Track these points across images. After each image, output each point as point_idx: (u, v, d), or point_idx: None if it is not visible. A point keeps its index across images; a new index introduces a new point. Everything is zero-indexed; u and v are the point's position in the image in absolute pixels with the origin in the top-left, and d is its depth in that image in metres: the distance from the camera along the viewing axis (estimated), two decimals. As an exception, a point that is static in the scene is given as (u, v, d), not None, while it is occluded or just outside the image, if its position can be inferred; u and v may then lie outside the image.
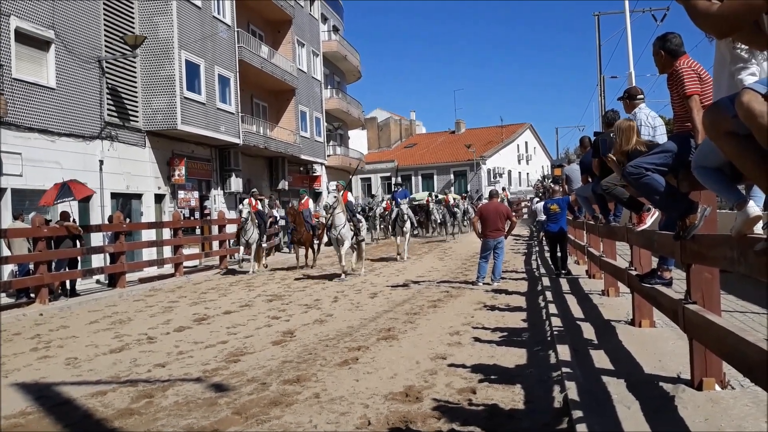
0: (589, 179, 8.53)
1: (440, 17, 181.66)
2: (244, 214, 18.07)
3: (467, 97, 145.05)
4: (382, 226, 31.58)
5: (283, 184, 31.85)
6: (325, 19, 40.34)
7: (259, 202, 20.04)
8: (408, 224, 20.43)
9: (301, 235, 18.51)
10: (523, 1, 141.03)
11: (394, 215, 21.27)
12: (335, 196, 15.80)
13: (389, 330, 8.61)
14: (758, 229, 3.13)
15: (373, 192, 53.84)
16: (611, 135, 5.98)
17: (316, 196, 37.21)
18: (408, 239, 21.04)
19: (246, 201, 18.92)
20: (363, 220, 18.14)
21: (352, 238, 16.03)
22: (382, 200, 35.97)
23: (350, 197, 17.40)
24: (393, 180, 28.07)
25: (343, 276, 15.53)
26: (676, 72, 4.80)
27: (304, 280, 15.89)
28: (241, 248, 18.57)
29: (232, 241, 20.59)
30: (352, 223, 16.02)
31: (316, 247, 19.36)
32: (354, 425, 4.80)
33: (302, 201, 19.89)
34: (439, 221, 32.30)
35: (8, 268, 14.94)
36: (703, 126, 3.18)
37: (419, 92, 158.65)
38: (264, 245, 19.71)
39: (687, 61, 4.84)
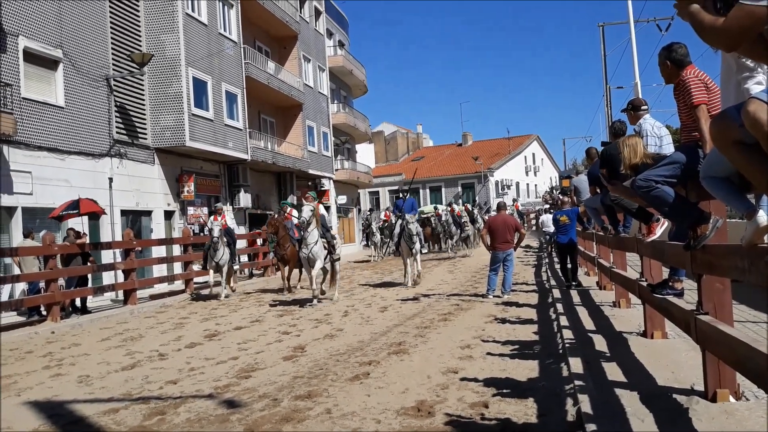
0: (598, 190, 8.51)
1: (446, 31, 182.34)
2: (215, 233, 16.20)
3: (474, 109, 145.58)
4: (380, 243, 29.90)
5: (292, 199, 31.89)
6: (330, 35, 40.54)
7: (226, 216, 17.96)
8: (417, 245, 16.77)
9: (285, 251, 16.77)
10: (529, 13, 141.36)
11: (398, 229, 17.64)
12: (311, 209, 13.79)
13: (400, 344, 8.59)
14: (768, 239, 3.13)
15: (382, 205, 53.77)
16: (617, 150, 5.95)
17: (325, 210, 37.25)
18: (419, 260, 17.33)
19: (212, 218, 17.27)
20: (337, 236, 16.36)
21: (325, 258, 14.22)
22: (371, 211, 34.34)
23: (322, 210, 15.44)
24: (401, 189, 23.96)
25: (315, 301, 13.70)
26: (683, 82, 4.80)
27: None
28: (211, 271, 16.62)
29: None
30: (325, 240, 14.21)
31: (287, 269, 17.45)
32: (366, 441, 4.78)
33: (285, 213, 18.31)
34: (440, 233, 29.92)
35: (20, 287, 15.01)
36: (711, 136, 3.18)
37: (425, 105, 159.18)
38: (236, 266, 18.04)
39: (693, 71, 4.84)
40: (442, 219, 29.00)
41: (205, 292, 17.36)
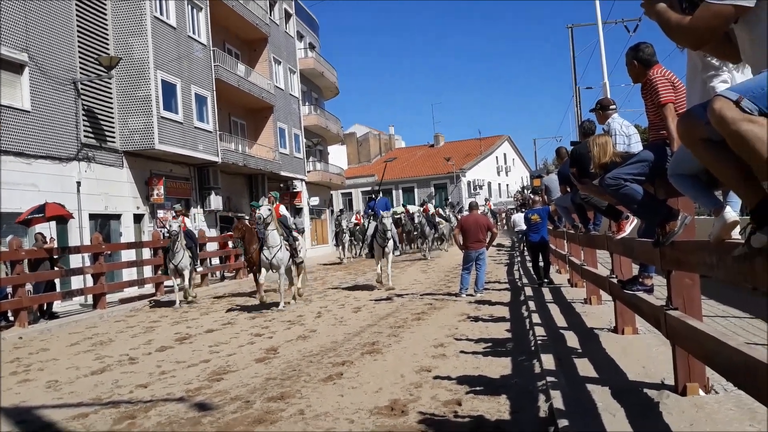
0: (568, 189, 8.58)
1: (416, 32, 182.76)
2: (174, 227, 15.27)
3: (445, 110, 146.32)
4: (348, 244, 29.51)
5: (263, 201, 31.72)
6: (301, 37, 40.42)
7: (186, 219, 17.22)
8: (391, 243, 15.97)
9: (250, 255, 15.53)
10: (498, 15, 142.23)
11: (371, 231, 16.73)
12: (269, 209, 13.28)
13: (373, 344, 8.58)
14: (735, 234, 3.17)
15: (355, 206, 53.72)
16: (587, 149, 6.00)
17: (297, 212, 37.12)
18: (390, 261, 16.54)
19: (171, 217, 16.57)
20: (300, 238, 15.47)
21: (288, 261, 13.74)
22: (341, 212, 33.67)
23: (283, 210, 15.10)
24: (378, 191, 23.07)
25: (282, 305, 13.28)
26: (650, 81, 4.86)
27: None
28: (172, 277, 15.75)
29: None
30: (287, 243, 13.70)
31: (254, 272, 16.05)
32: (340, 441, 4.77)
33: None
34: (411, 231, 29.39)
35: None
36: (678, 133, 3.22)
37: (397, 107, 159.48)
38: (198, 269, 17.20)
39: (660, 70, 4.90)
40: (415, 220, 28.59)
41: (168, 298, 16.52)
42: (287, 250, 13.59)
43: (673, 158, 3.93)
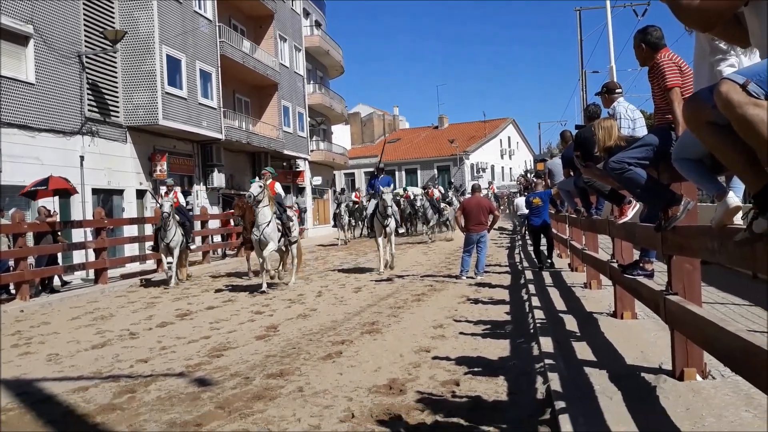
0: (571, 173, 8.56)
1: (423, 12, 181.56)
2: (166, 209, 14.57)
3: (450, 92, 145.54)
4: (347, 225, 28.07)
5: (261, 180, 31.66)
6: (307, 14, 40.19)
7: (179, 194, 16.39)
8: (392, 222, 15.05)
9: (250, 234, 14.40)
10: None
11: (371, 208, 15.82)
12: (260, 185, 12.74)
13: (373, 324, 8.61)
14: (738, 219, 3.16)
15: (358, 186, 53.68)
16: (592, 130, 5.99)
17: (300, 191, 37.13)
18: (393, 242, 15.80)
19: (163, 193, 16.01)
20: (294, 218, 14.74)
21: (279, 240, 13.16)
22: (342, 192, 32.17)
23: (278, 188, 14.46)
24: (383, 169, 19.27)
25: (264, 287, 12.62)
26: (657, 65, 4.83)
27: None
28: (162, 255, 15.15)
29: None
30: (280, 222, 13.19)
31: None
32: (338, 418, 4.79)
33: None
34: (410, 215, 28.23)
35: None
36: (683, 117, 3.20)
37: (402, 88, 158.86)
38: (191, 247, 16.40)
39: (667, 53, 4.87)
40: (417, 203, 27.06)
41: (160, 276, 15.73)
42: (279, 229, 13.06)
43: (678, 142, 3.92)
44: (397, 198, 27.52)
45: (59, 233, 14.64)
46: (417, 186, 41.99)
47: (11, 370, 7.07)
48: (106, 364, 7.08)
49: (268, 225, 12.61)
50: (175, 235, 14.89)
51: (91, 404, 5.52)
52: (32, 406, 5.55)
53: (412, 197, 28.27)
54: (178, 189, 16.77)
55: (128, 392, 5.81)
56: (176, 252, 15.03)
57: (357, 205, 28.08)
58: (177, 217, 15.20)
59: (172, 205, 14.88)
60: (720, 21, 2.75)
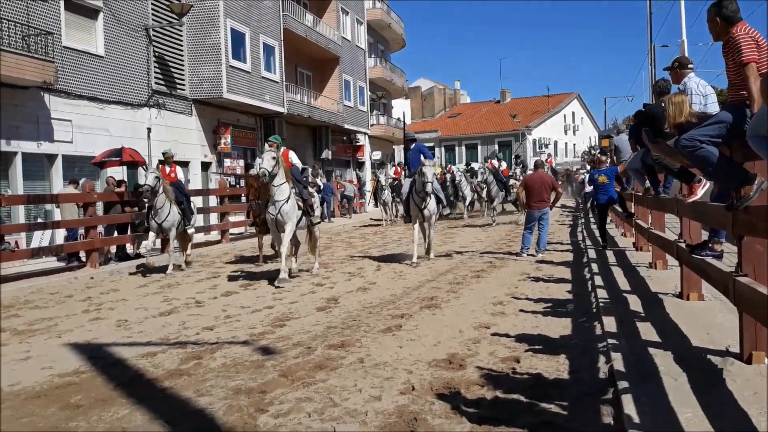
0: (638, 147, 8.38)
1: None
2: (150, 181, 12.24)
3: (513, 66, 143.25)
4: (390, 202, 24.81)
5: (327, 154, 31.93)
6: (369, -14, 40.06)
7: (177, 167, 14.45)
8: (432, 202, 12.47)
9: (261, 215, 12.28)
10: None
11: (406, 187, 12.98)
12: (274, 156, 10.45)
13: (432, 299, 8.64)
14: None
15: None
16: (662, 106, 5.86)
17: (360, 165, 37.25)
18: (433, 224, 13.09)
19: (159, 168, 13.92)
20: (315, 194, 12.35)
21: (300, 220, 11.19)
22: (381, 165, 28.54)
23: (294, 158, 12.03)
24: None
25: (283, 275, 10.55)
26: (733, 39, 4.68)
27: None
28: (151, 234, 12.77)
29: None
30: (300, 198, 11.15)
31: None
32: (398, 390, 4.85)
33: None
34: (468, 200, 25.55)
35: (61, 233, 15.34)
36: (761, 93, 3.10)
37: (464, 61, 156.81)
38: (191, 230, 14.04)
39: (744, 27, 4.71)
40: (479, 177, 23.81)
41: (159, 262, 13.15)
42: (300, 207, 11.03)
43: (753, 119, 3.81)
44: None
45: (129, 203, 14.96)
46: (477, 162, 41.58)
47: (83, 334, 7.36)
48: (173, 331, 7.30)
49: (287, 202, 10.64)
50: (169, 214, 12.67)
51: (159, 369, 5.71)
52: (103, 370, 5.77)
53: (450, 176, 25.68)
54: (178, 168, 15.04)
55: (195, 359, 5.99)
56: (172, 233, 12.95)
57: (396, 181, 24.57)
58: (173, 195, 12.98)
59: (158, 178, 12.54)
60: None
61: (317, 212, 12.02)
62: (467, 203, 25.75)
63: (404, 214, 13.82)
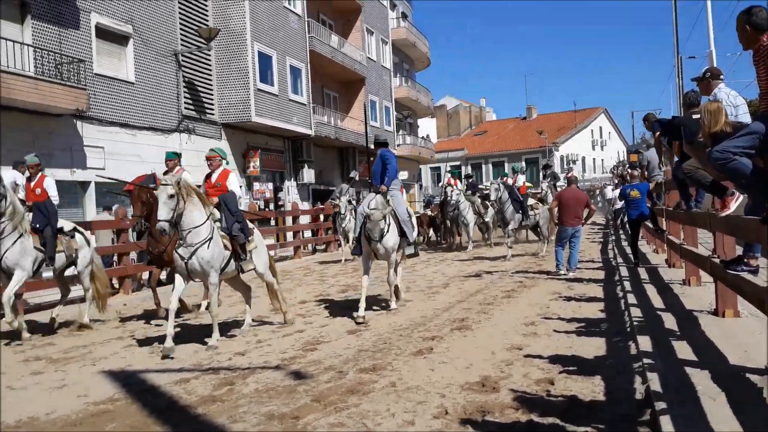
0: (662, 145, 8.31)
1: (509, 2, 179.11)
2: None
3: (539, 82, 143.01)
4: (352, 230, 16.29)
5: (354, 174, 32.02)
6: (393, 6, 40.32)
7: (44, 180, 9.70)
8: (392, 237, 9.58)
9: (164, 248, 9.73)
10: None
11: (363, 207, 9.74)
12: (171, 195, 7.43)
13: (463, 320, 8.59)
14: None
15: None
16: (693, 117, 5.80)
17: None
18: (393, 265, 9.91)
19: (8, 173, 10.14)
20: (256, 232, 9.36)
21: (224, 266, 8.25)
22: (349, 179, 24.62)
23: (233, 183, 9.34)
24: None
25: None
26: (764, 47, 4.61)
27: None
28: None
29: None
30: (228, 236, 8.38)
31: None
32: (431, 414, 4.81)
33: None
34: (471, 224, 20.27)
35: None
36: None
37: (489, 78, 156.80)
38: (75, 274, 10.24)
39: (774, 35, 4.64)
40: (492, 196, 17.45)
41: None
42: (226, 247, 8.31)
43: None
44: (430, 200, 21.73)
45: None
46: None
47: (117, 361, 7.41)
48: (205, 357, 7.33)
49: (207, 245, 7.83)
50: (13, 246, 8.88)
51: (193, 395, 5.73)
52: (137, 397, 5.80)
53: (520, 184, 20.03)
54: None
55: (227, 384, 6.00)
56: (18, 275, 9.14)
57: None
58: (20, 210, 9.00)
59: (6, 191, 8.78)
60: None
61: (249, 253, 8.74)
62: (510, 228, 17.45)
63: (354, 249, 10.80)
